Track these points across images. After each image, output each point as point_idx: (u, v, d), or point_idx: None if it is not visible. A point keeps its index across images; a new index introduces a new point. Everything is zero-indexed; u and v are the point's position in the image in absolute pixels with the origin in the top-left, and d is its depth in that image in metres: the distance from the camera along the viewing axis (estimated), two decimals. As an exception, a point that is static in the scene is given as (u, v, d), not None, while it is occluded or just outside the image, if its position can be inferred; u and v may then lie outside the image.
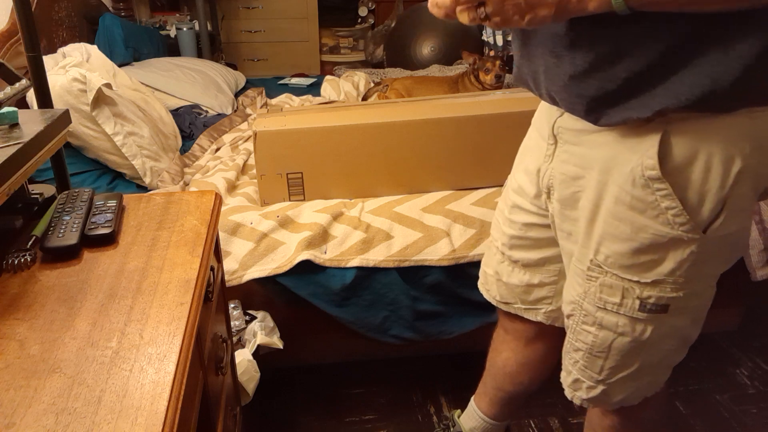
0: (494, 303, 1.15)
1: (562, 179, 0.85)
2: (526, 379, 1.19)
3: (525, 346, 1.16)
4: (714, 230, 0.72)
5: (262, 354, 1.40)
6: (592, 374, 0.89)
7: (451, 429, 1.37)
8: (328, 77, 2.81)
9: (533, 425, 1.55)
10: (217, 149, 2.06)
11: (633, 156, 0.72)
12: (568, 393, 0.96)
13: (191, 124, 2.18)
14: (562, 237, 0.90)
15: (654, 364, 0.87)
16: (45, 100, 1.15)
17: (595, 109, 0.73)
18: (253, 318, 1.45)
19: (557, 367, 1.05)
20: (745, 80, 0.63)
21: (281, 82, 3.00)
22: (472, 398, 1.32)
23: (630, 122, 0.71)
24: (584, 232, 0.82)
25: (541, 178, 0.91)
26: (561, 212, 0.88)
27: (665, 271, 0.76)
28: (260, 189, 1.61)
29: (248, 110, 2.45)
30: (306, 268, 1.45)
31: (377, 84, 2.62)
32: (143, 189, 1.76)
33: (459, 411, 1.38)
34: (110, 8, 2.82)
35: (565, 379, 0.96)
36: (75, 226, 0.89)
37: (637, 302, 0.79)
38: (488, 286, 1.16)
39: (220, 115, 2.31)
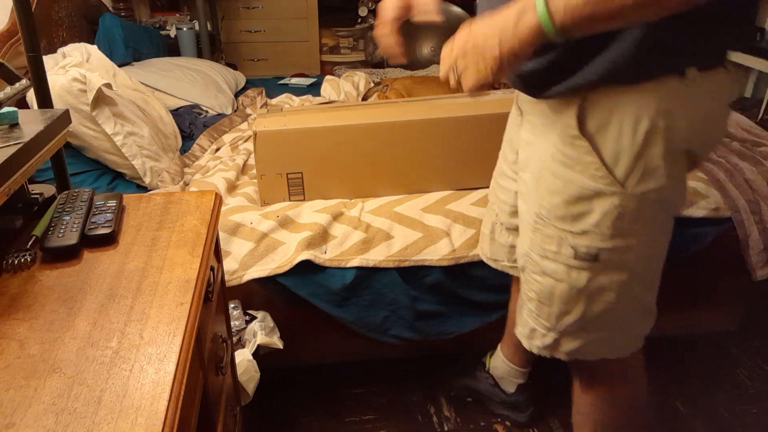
0: (486, 260, 1.31)
1: (522, 145, 1.01)
2: None
3: None
4: (632, 186, 0.83)
5: (262, 354, 1.40)
6: (543, 321, 0.98)
7: (483, 371, 1.55)
8: (328, 77, 2.81)
9: (533, 425, 1.55)
10: (217, 149, 2.06)
11: (562, 120, 0.86)
12: (525, 344, 1.04)
13: (191, 124, 2.18)
14: (519, 198, 1.02)
15: (599, 316, 0.94)
16: (45, 100, 1.15)
17: (531, 86, 0.90)
18: (253, 318, 1.45)
19: None
20: (637, 60, 0.77)
21: (281, 82, 3.00)
22: (498, 345, 1.52)
23: (558, 95, 0.86)
24: (532, 189, 0.94)
25: (513, 147, 1.08)
26: (521, 176, 1.01)
27: (593, 222, 0.86)
28: (260, 189, 1.61)
29: (248, 110, 2.45)
30: (306, 268, 1.45)
31: (377, 84, 2.62)
32: (143, 189, 1.76)
33: (490, 354, 1.53)
34: (110, 8, 2.82)
35: (521, 331, 1.05)
36: (75, 226, 0.89)
37: (571, 250, 0.89)
38: (483, 245, 1.31)
39: (220, 115, 2.31)
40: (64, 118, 1.00)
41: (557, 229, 0.90)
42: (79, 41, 2.09)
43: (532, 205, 0.94)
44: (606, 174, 0.83)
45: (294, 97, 2.61)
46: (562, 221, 0.89)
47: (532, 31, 0.72)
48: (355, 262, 1.46)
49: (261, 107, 2.52)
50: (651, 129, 0.80)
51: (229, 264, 1.45)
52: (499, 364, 1.53)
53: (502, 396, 1.54)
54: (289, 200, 1.62)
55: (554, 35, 0.71)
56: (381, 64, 3.60)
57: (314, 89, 2.79)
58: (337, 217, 1.54)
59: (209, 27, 3.23)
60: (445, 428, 1.55)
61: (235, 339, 1.38)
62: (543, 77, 0.85)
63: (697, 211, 1.56)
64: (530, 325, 1.01)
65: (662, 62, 0.78)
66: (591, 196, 0.85)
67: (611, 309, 0.93)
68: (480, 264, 1.49)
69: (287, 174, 1.59)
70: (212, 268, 0.97)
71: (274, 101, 2.58)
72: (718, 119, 0.87)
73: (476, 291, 1.52)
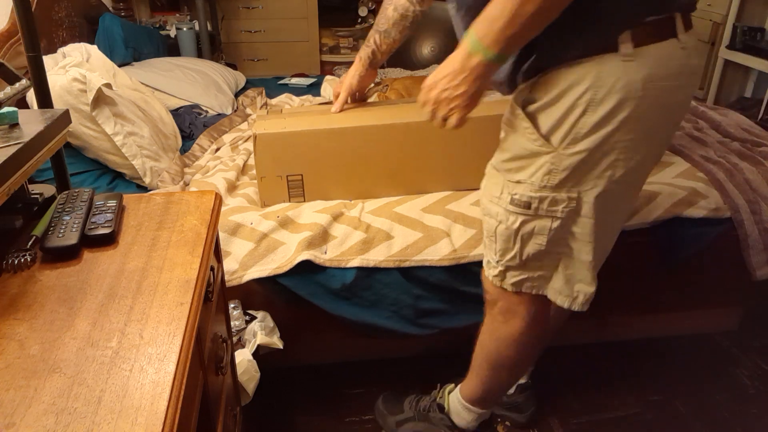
0: None
1: None
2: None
3: None
4: (563, 147, 0.96)
5: (262, 354, 1.40)
6: (493, 255, 1.13)
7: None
8: (328, 77, 2.81)
9: (533, 425, 1.55)
10: (217, 149, 2.06)
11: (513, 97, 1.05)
12: (487, 274, 1.18)
13: (191, 124, 2.18)
14: None
15: (534, 257, 1.08)
16: (45, 100, 1.15)
17: (504, 88, 1.08)
18: (253, 318, 1.45)
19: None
20: (559, 48, 0.92)
21: (281, 82, 3.00)
22: None
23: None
24: (498, 149, 1.10)
25: None
26: None
27: (527, 175, 1.01)
28: (260, 191, 1.61)
29: (248, 110, 2.45)
30: (306, 268, 1.45)
31: (377, 84, 2.62)
32: (143, 189, 1.76)
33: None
34: (110, 8, 2.82)
35: (484, 264, 1.20)
36: (75, 226, 0.89)
37: (508, 196, 1.04)
38: None
39: (220, 115, 2.31)
40: (64, 118, 1.00)
41: (501, 178, 1.06)
42: (79, 41, 2.09)
43: (491, 159, 1.11)
44: (539, 137, 0.98)
45: (294, 97, 2.61)
46: (507, 172, 1.04)
47: (482, 64, 0.92)
48: (355, 262, 1.46)
49: (261, 107, 2.51)
50: (586, 101, 0.91)
51: (229, 264, 1.45)
52: None
53: (502, 396, 1.53)
54: (290, 202, 1.62)
55: (498, 60, 0.92)
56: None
57: (314, 89, 2.79)
58: (337, 217, 1.54)
59: (209, 27, 3.23)
60: (445, 428, 1.55)
61: (235, 339, 1.38)
62: (509, 82, 1.03)
63: (697, 211, 1.57)
64: (486, 257, 1.17)
65: (589, 43, 0.90)
66: (528, 155, 1.00)
67: (544, 252, 1.07)
68: (481, 263, 1.49)
69: (287, 176, 1.59)
70: (212, 268, 0.97)
71: (274, 101, 2.58)
72: (662, 91, 0.92)
73: (479, 288, 1.52)
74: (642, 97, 0.90)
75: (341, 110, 1.60)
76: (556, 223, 1.03)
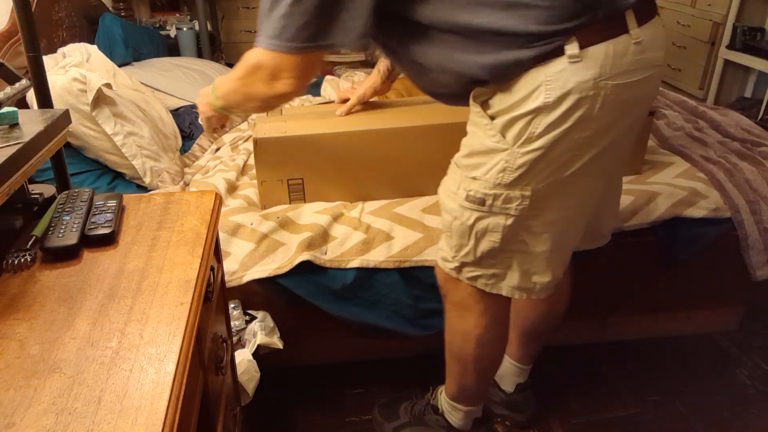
0: None
1: None
2: (532, 315, 1.40)
3: None
4: (518, 145, 0.98)
5: (262, 354, 1.40)
6: (449, 249, 1.14)
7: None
8: (328, 77, 2.81)
9: (533, 426, 1.55)
10: (217, 149, 2.06)
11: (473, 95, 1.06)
12: (441, 265, 1.19)
13: (191, 124, 2.18)
14: None
15: (488, 254, 1.09)
16: (45, 100, 1.15)
17: (452, 103, 1.17)
18: (253, 318, 1.45)
19: (557, 306, 1.36)
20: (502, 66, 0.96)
21: (281, 82, 2.99)
22: None
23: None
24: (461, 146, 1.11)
25: None
26: None
27: (482, 172, 1.02)
28: (261, 195, 1.61)
29: (248, 110, 2.44)
30: (306, 268, 1.45)
31: (377, 84, 2.61)
32: (143, 189, 1.76)
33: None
34: (110, 8, 2.82)
35: (439, 254, 1.20)
36: (75, 226, 0.89)
37: (464, 192, 1.06)
38: None
39: (220, 115, 2.31)
40: (64, 118, 1.00)
41: (459, 174, 1.07)
42: (79, 41, 2.09)
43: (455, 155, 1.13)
44: (497, 134, 1.00)
45: (294, 97, 2.61)
46: (464, 168, 1.06)
47: (216, 107, 1.21)
48: (355, 263, 1.46)
49: (261, 107, 2.51)
50: (539, 103, 0.94)
51: (229, 264, 1.45)
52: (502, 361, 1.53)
53: (501, 396, 1.53)
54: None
55: (223, 111, 1.22)
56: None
57: (314, 89, 2.78)
58: (337, 218, 1.53)
59: (209, 27, 3.23)
60: (445, 428, 1.55)
61: (235, 339, 1.38)
62: (452, 99, 1.12)
63: (697, 211, 1.57)
64: (443, 252, 1.18)
65: (534, 52, 0.93)
66: (485, 151, 1.02)
67: (498, 250, 1.08)
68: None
69: (288, 180, 1.59)
70: (212, 269, 0.97)
71: (273, 101, 2.58)
72: (615, 88, 0.93)
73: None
74: (594, 96, 0.92)
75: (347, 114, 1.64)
76: (509, 221, 1.04)
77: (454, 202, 1.08)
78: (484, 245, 1.08)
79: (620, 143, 1.05)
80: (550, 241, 1.07)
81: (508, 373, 1.52)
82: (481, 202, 1.04)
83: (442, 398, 1.43)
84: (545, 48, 0.92)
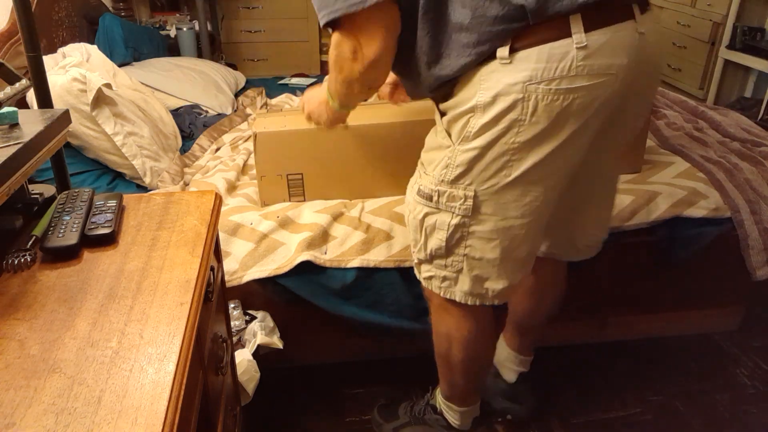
0: None
1: None
2: (519, 310, 1.43)
3: None
4: (459, 143, 1.02)
5: (262, 354, 1.40)
6: (411, 245, 1.19)
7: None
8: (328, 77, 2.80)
9: (533, 425, 1.55)
10: (217, 149, 2.06)
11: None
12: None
13: (191, 124, 2.18)
14: None
15: (437, 254, 1.12)
16: (45, 100, 1.15)
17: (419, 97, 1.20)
18: (253, 318, 1.45)
19: (555, 294, 1.39)
20: (440, 69, 1.00)
21: (281, 82, 3.00)
22: (501, 334, 1.53)
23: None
24: None
25: None
26: None
27: (432, 167, 1.07)
28: (260, 190, 1.61)
29: (248, 110, 2.45)
30: (306, 268, 1.45)
31: (377, 84, 2.61)
32: (143, 189, 1.76)
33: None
34: (110, 8, 2.82)
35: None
36: (75, 226, 0.89)
37: (416, 186, 1.11)
38: None
39: (220, 115, 2.31)
40: (64, 118, 1.00)
41: (418, 169, 1.13)
42: (79, 41, 2.09)
43: None
44: (443, 130, 1.05)
45: (294, 97, 2.61)
46: (421, 164, 1.12)
47: (334, 108, 1.21)
48: (355, 262, 1.46)
49: (261, 107, 2.52)
50: (474, 103, 0.97)
51: (229, 264, 1.45)
52: (501, 350, 1.53)
53: (502, 386, 1.53)
54: (290, 201, 1.62)
55: (342, 109, 1.21)
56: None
57: (314, 89, 2.78)
58: (337, 217, 1.53)
59: (209, 27, 3.23)
60: (445, 428, 1.55)
61: (235, 339, 1.38)
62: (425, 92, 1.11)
63: (697, 211, 1.57)
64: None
65: (461, 60, 0.96)
66: (436, 147, 1.07)
67: (446, 250, 1.10)
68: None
69: (287, 175, 1.59)
70: (212, 268, 0.97)
71: (274, 101, 2.58)
72: (548, 93, 0.92)
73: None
74: (524, 99, 0.92)
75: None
76: (455, 220, 1.06)
77: (410, 196, 1.14)
78: (433, 242, 1.11)
79: (579, 154, 1.02)
80: (500, 249, 1.07)
81: (509, 361, 1.52)
82: (429, 197, 1.08)
83: (440, 398, 1.43)
84: (483, 48, 0.94)
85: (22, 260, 0.84)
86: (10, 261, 0.83)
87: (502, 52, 0.92)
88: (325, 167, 1.59)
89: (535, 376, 1.55)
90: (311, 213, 1.54)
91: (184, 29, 3.03)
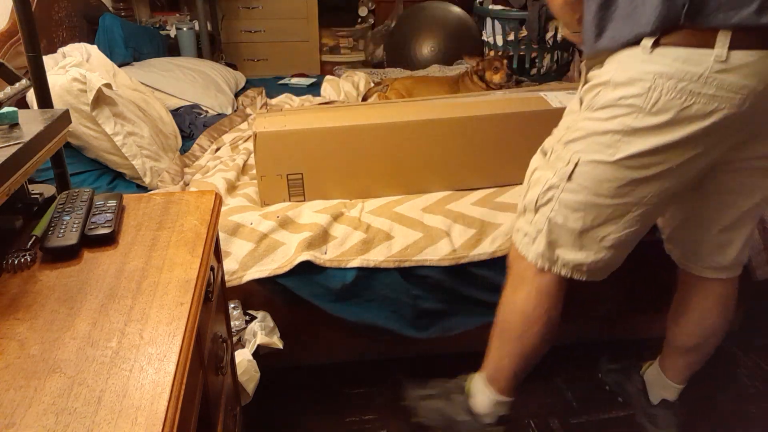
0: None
1: None
2: (683, 321, 1.39)
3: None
4: (583, 110, 1.11)
5: (262, 354, 1.40)
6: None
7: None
8: (328, 77, 2.81)
9: (533, 425, 1.55)
10: (217, 149, 2.06)
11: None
12: (514, 239, 1.27)
13: (191, 124, 2.18)
14: None
15: (531, 206, 1.18)
16: (45, 100, 1.15)
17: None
18: (253, 318, 1.45)
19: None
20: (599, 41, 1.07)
21: (281, 82, 3.00)
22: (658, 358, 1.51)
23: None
24: None
25: None
26: None
27: (558, 128, 1.19)
28: (260, 190, 1.61)
29: (248, 110, 2.45)
30: (306, 268, 1.45)
31: (377, 84, 2.62)
32: (143, 189, 1.76)
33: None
34: (110, 8, 2.82)
35: (514, 231, 1.28)
36: (75, 226, 0.89)
37: (543, 144, 1.22)
38: None
39: (220, 115, 2.31)
40: (64, 118, 1.00)
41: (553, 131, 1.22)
42: (79, 41, 2.09)
43: None
44: (578, 98, 1.13)
45: (294, 97, 2.61)
46: (557, 127, 1.21)
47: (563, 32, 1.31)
48: (355, 262, 1.46)
49: (261, 107, 2.52)
50: (608, 79, 1.04)
51: (229, 264, 1.45)
52: (652, 368, 1.52)
53: (643, 402, 1.51)
54: (290, 201, 1.62)
55: (566, 32, 1.27)
56: (381, 64, 3.60)
57: (314, 89, 2.79)
58: (337, 217, 1.53)
59: (209, 27, 3.23)
60: (445, 428, 1.55)
61: (235, 339, 1.38)
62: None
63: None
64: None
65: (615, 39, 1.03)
66: (569, 112, 1.17)
67: (535, 204, 1.17)
68: (481, 264, 1.49)
69: (287, 175, 1.59)
70: (212, 268, 0.97)
71: (274, 101, 2.58)
72: (670, 88, 0.98)
73: (478, 290, 1.52)
74: (651, 89, 0.98)
75: None
76: (553, 179, 1.12)
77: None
78: (530, 195, 1.18)
79: (690, 171, 1.05)
80: (582, 222, 1.11)
81: (654, 382, 1.51)
82: (545, 152, 1.18)
83: (474, 383, 1.42)
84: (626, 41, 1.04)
85: (22, 260, 0.84)
86: (10, 261, 0.83)
87: (647, 42, 0.98)
88: (325, 167, 1.60)
89: (536, 377, 1.55)
90: (311, 213, 1.54)
91: (184, 29, 3.03)
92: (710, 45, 0.94)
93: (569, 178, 1.10)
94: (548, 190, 1.13)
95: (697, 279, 1.31)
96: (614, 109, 1.03)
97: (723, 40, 0.93)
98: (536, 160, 1.21)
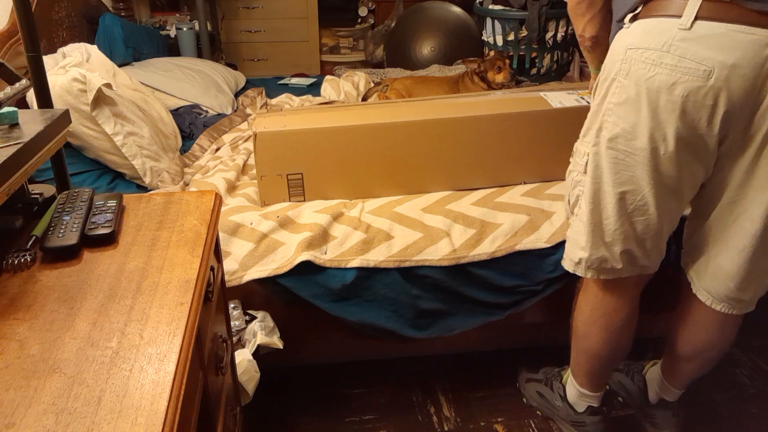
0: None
1: None
2: (683, 330, 1.41)
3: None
4: (592, 100, 1.12)
5: (262, 354, 1.40)
6: None
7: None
8: (328, 77, 2.81)
9: (533, 425, 1.55)
10: (217, 149, 2.06)
11: None
12: None
13: (191, 124, 2.18)
14: None
15: (568, 210, 1.22)
16: (45, 100, 1.15)
17: None
18: (253, 318, 1.45)
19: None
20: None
21: (281, 82, 3.00)
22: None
23: None
24: None
25: None
26: None
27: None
28: (260, 190, 1.61)
29: (248, 110, 2.45)
30: (306, 268, 1.45)
31: (377, 84, 2.62)
32: (143, 189, 1.76)
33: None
34: (110, 8, 2.82)
35: None
36: (75, 226, 0.89)
37: None
38: None
39: (220, 115, 2.31)
40: (64, 118, 1.00)
41: None
42: (79, 41, 2.09)
43: None
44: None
45: (294, 97, 2.61)
46: None
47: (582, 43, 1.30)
48: (355, 262, 1.46)
49: (261, 107, 2.52)
50: (603, 64, 1.09)
51: (229, 264, 1.45)
52: (653, 369, 1.53)
53: (641, 399, 1.51)
54: (290, 201, 1.62)
55: (583, 41, 1.28)
56: (381, 64, 3.60)
57: (314, 89, 2.79)
58: (337, 217, 1.53)
59: (209, 27, 3.23)
60: (445, 428, 1.55)
61: (235, 339, 1.38)
62: None
63: (697, 211, 1.56)
64: None
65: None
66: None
67: (570, 206, 1.21)
68: (481, 264, 1.49)
69: (287, 175, 1.59)
70: (212, 268, 0.97)
71: (274, 101, 2.58)
72: (637, 61, 1.00)
73: (478, 290, 1.52)
74: (623, 61, 1.01)
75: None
76: (578, 176, 1.15)
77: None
78: (569, 197, 1.21)
79: (672, 161, 1.03)
80: (590, 213, 1.13)
81: (654, 383, 1.50)
82: (573, 153, 1.19)
83: (567, 374, 1.48)
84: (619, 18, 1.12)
85: (22, 260, 0.84)
86: (10, 261, 0.83)
87: (627, 19, 1.04)
88: (325, 167, 1.60)
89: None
90: (311, 213, 1.54)
91: (184, 29, 3.03)
92: (679, 15, 0.95)
93: (585, 170, 1.12)
94: (574, 187, 1.17)
95: (701, 304, 1.27)
96: (601, 90, 1.07)
97: (691, 9, 0.93)
98: (571, 161, 1.21)
